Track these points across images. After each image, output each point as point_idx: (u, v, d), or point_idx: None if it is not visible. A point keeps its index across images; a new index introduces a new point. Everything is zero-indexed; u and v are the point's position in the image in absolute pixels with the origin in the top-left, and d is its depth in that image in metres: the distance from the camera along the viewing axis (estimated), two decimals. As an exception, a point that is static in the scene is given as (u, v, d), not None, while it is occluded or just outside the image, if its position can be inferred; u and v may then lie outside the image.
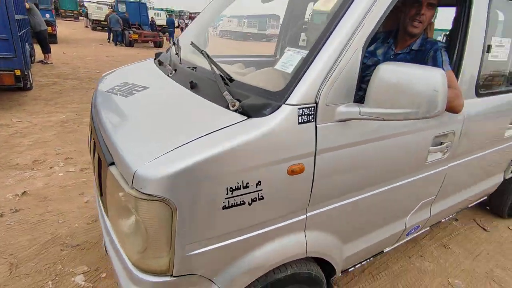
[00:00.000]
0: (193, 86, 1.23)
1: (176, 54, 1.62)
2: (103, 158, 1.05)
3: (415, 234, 1.91)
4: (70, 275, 1.85)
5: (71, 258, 1.98)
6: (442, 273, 2.18)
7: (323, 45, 0.98)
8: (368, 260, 1.70)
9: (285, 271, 1.17)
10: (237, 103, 1.00)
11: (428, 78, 0.89)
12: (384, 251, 1.76)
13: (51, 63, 8.25)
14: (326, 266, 1.37)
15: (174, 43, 1.72)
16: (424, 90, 0.89)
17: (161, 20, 21.19)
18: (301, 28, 2.09)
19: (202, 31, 2.10)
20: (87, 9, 23.58)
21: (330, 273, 1.44)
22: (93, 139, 1.27)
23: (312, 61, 0.97)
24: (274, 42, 2.58)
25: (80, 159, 3.28)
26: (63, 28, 18.33)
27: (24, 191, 2.60)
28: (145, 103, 1.25)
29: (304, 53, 1.03)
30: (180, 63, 1.56)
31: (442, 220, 2.13)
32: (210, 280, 1.00)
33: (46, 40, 8.01)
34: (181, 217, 0.85)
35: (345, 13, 1.01)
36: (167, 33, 18.67)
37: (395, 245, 1.79)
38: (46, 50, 8.05)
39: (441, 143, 1.49)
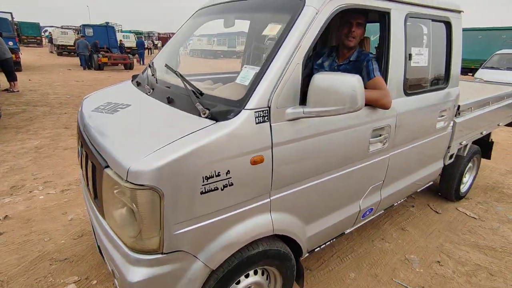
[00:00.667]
0: (170, 101, 1.47)
1: (153, 75, 1.85)
2: (97, 164, 1.25)
3: (372, 217, 2.22)
4: (62, 285, 1.96)
5: (60, 270, 2.09)
6: (400, 251, 2.50)
7: (271, 62, 1.27)
8: (332, 241, 1.96)
9: (257, 248, 1.41)
10: (207, 111, 1.26)
11: (348, 82, 1.19)
12: (345, 232, 2.04)
13: (18, 90, 8.11)
14: (293, 246, 1.62)
15: (149, 65, 1.96)
16: (346, 91, 1.19)
17: (130, 42, 21.22)
18: (258, 48, 2.40)
19: (175, 52, 2.35)
20: (51, 34, 23.18)
21: (299, 253, 1.69)
22: (85, 151, 1.46)
23: (263, 75, 1.26)
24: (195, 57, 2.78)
25: (59, 181, 3.35)
26: (26, 54, 17.90)
27: (6, 215, 2.66)
28: (129, 117, 1.47)
29: (257, 69, 1.31)
30: (157, 82, 1.79)
31: (395, 204, 2.46)
32: (194, 256, 1.21)
33: (12, 68, 7.90)
34: (167, 202, 1.08)
35: (286, 37, 1.31)
36: (136, 55, 18.74)
37: (354, 227, 2.08)
38: (12, 78, 7.92)
39: (380, 135, 1.81)
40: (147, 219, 1.08)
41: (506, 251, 2.56)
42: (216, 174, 1.15)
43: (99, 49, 15.16)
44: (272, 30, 1.48)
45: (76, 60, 15.88)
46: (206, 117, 1.25)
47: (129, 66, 15.14)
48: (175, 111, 1.40)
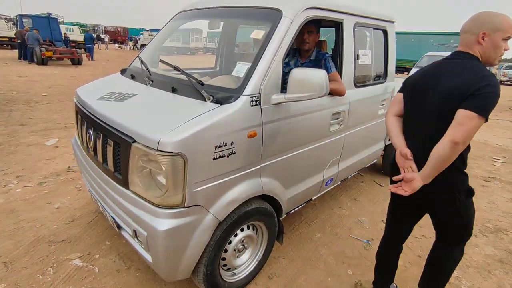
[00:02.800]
0: (174, 90, 1.78)
1: (147, 69, 2.12)
2: (122, 141, 1.52)
3: (332, 186, 2.73)
4: (67, 261, 2.15)
5: (61, 250, 2.25)
6: (354, 215, 3.07)
7: (260, 59, 1.66)
8: (303, 205, 2.43)
9: (250, 206, 1.79)
10: (211, 97, 1.60)
11: (318, 75, 1.63)
12: (312, 199, 2.52)
13: (-47, 87, 7.37)
14: (275, 208, 2.03)
15: (141, 61, 2.20)
16: (316, 81, 1.63)
17: (75, 35, 19.86)
18: (247, 47, 2.78)
19: (157, 49, 2.61)
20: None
21: (279, 214, 2.10)
22: (101, 133, 1.70)
23: (255, 69, 1.64)
24: (198, 55, 3.05)
25: (33, 175, 3.36)
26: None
27: (-14, 208, 2.68)
28: (142, 103, 1.75)
29: (249, 64, 1.69)
30: (150, 75, 2.07)
31: (349, 177, 3.02)
32: (207, 209, 1.56)
33: None
34: (190, 165, 1.41)
35: (270, 40, 1.71)
36: (82, 49, 17.60)
37: (319, 194, 2.57)
38: None
39: (337, 118, 2.31)
40: (174, 179, 1.40)
41: (431, 210, 3.28)
42: (224, 144, 1.52)
43: (40, 42, 14.04)
44: (258, 34, 1.86)
45: (12, 53, 14.51)
46: (211, 102, 1.59)
47: (77, 61, 14.24)
48: (181, 97, 1.72)
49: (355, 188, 3.67)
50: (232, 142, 1.55)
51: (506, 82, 19.63)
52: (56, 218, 2.62)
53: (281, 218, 2.18)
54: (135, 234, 1.62)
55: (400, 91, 1.70)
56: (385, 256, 1.94)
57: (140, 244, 1.63)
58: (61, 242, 2.33)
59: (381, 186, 3.78)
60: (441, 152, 1.31)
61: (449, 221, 1.60)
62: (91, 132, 1.82)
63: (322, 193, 2.62)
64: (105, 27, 39.81)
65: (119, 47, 33.51)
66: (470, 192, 1.54)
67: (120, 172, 1.62)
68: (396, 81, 3.14)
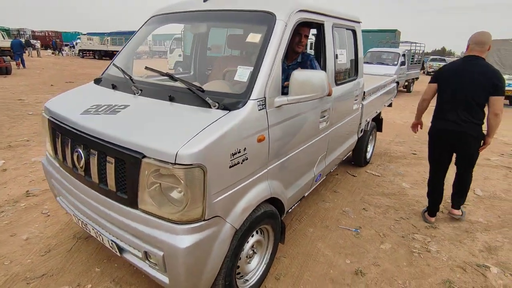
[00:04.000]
0: (171, 99, 1.69)
1: (131, 78, 1.98)
2: (128, 157, 1.40)
3: (319, 182, 2.83)
4: (54, 297, 1.91)
5: (44, 285, 1.99)
6: (338, 207, 3.22)
7: (262, 62, 1.66)
8: (297, 204, 2.48)
9: (260, 210, 1.78)
10: (217, 104, 1.56)
11: (318, 76, 1.68)
12: (305, 195, 2.59)
13: None
14: (278, 208, 2.05)
15: (123, 71, 2.05)
16: (317, 82, 1.68)
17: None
18: (219, 50, 2.72)
19: (130, 57, 2.44)
20: None
21: (281, 214, 2.12)
22: (96, 151, 1.55)
23: (258, 73, 1.63)
24: (142, 59, 2.79)
25: (-16, 205, 2.91)
26: None
27: None
28: (139, 115, 1.62)
29: (251, 68, 1.68)
30: (134, 83, 1.93)
31: (331, 171, 3.16)
32: (224, 219, 1.51)
33: None
34: (209, 175, 1.35)
35: (268, 43, 1.71)
36: (8, 57, 15.60)
37: (310, 190, 2.64)
38: None
39: (324, 116, 2.40)
40: (194, 192, 1.33)
41: (401, 193, 3.59)
42: (238, 151, 1.48)
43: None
44: (254, 38, 1.85)
45: None
46: (217, 109, 1.55)
47: (5, 71, 12.60)
48: (181, 106, 1.64)
49: (332, 181, 3.84)
50: (245, 148, 1.53)
51: (431, 73, 22.12)
52: (28, 251, 2.31)
53: (282, 218, 2.20)
54: (146, 256, 1.51)
55: (432, 82, 2.78)
56: (436, 185, 2.96)
57: (153, 266, 1.53)
58: (41, 277, 2.06)
59: (354, 176, 4.02)
60: (492, 122, 2.55)
61: (469, 158, 2.73)
62: (80, 150, 1.64)
63: (312, 188, 2.70)
64: (32, 31, 35.80)
65: (53, 53, 30.43)
66: (483, 136, 2.65)
67: (124, 191, 1.50)
68: (363, 77, 3.36)
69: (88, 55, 27.58)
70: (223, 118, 1.48)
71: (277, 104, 1.72)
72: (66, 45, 31.94)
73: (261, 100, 1.62)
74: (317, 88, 1.69)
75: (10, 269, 2.12)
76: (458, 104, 2.58)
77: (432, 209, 2.99)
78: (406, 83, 13.05)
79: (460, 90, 2.55)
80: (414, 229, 2.88)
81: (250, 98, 1.58)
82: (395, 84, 5.16)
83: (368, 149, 4.37)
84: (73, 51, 27.95)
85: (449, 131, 2.65)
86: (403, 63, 11.29)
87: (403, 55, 11.59)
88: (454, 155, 2.81)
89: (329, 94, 2.20)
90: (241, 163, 1.52)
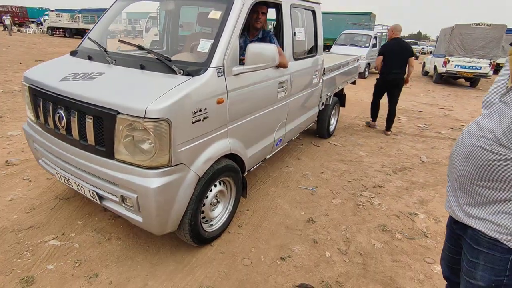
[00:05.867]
0: (142, 67, 1.94)
1: (105, 50, 2.19)
2: (105, 114, 1.66)
3: (281, 147, 3.19)
4: (42, 243, 2.18)
5: (31, 235, 2.25)
6: (299, 171, 3.61)
7: (220, 36, 1.93)
8: (259, 164, 2.82)
9: (221, 163, 2.10)
10: (182, 71, 1.83)
11: (270, 48, 1.98)
12: (266, 158, 2.94)
13: None
14: (239, 165, 2.38)
15: (98, 44, 2.25)
16: (269, 54, 1.98)
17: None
18: (190, 27, 2.94)
19: (104, 32, 2.62)
20: None
21: (242, 171, 2.46)
22: (76, 111, 1.79)
23: (217, 45, 1.91)
24: (116, 38, 2.80)
25: (-36, 173, 3.06)
26: None
27: None
28: (113, 80, 1.87)
29: (211, 41, 1.95)
30: (108, 54, 2.15)
31: (293, 139, 3.53)
32: (189, 167, 1.83)
33: None
34: (174, 129, 1.64)
35: (227, 20, 1.98)
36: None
37: (271, 154, 2.99)
38: None
39: (282, 87, 2.72)
40: (162, 141, 1.63)
41: (357, 160, 4.04)
42: (199, 110, 1.78)
43: None
44: (215, 15, 2.10)
45: None
46: (182, 75, 1.82)
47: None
48: (151, 73, 1.90)
49: (296, 150, 4.23)
50: (206, 108, 1.82)
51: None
52: (14, 209, 2.53)
53: (244, 175, 2.54)
54: (123, 200, 1.80)
55: (380, 54, 4.88)
56: (375, 107, 5.30)
57: (128, 208, 1.82)
58: (28, 229, 2.31)
59: (318, 146, 4.43)
60: (410, 70, 4.90)
61: (397, 94, 4.99)
62: (61, 112, 1.87)
63: (273, 152, 3.05)
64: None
65: (18, 30, 28.61)
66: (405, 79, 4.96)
67: (102, 145, 1.76)
68: (323, 55, 3.69)
69: (58, 33, 26.22)
70: (187, 82, 1.76)
71: (235, 72, 2.01)
72: (33, 22, 30.03)
73: (220, 68, 1.91)
74: (269, 59, 1.99)
75: (-1, 224, 2.35)
76: (395, 63, 4.77)
77: (374, 117, 5.39)
78: (378, 65, 13.58)
79: (395, 56, 4.75)
80: (363, 188, 3.33)
81: (210, 66, 1.86)
82: (357, 63, 5.54)
83: (332, 122, 4.78)
84: (41, 28, 26.40)
85: (392, 78, 4.84)
86: (374, 45, 11.73)
87: (375, 37, 12.02)
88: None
89: (284, 66, 2.52)
90: (202, 121, 1.82)
